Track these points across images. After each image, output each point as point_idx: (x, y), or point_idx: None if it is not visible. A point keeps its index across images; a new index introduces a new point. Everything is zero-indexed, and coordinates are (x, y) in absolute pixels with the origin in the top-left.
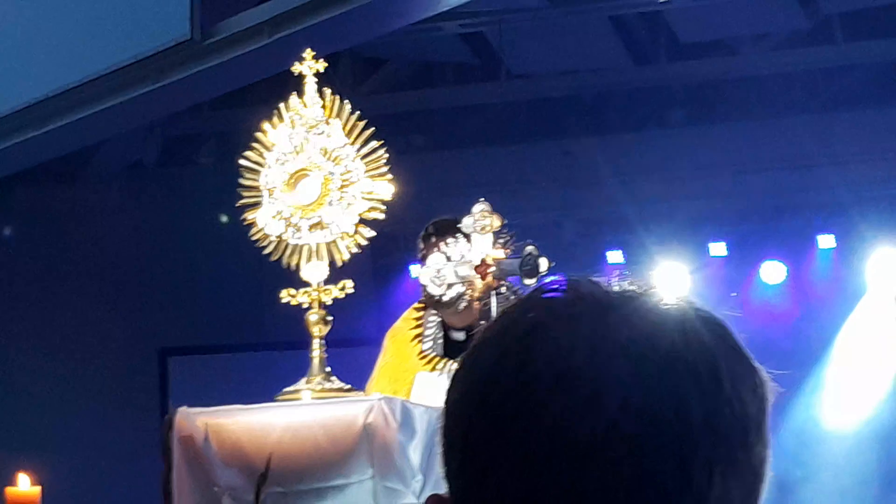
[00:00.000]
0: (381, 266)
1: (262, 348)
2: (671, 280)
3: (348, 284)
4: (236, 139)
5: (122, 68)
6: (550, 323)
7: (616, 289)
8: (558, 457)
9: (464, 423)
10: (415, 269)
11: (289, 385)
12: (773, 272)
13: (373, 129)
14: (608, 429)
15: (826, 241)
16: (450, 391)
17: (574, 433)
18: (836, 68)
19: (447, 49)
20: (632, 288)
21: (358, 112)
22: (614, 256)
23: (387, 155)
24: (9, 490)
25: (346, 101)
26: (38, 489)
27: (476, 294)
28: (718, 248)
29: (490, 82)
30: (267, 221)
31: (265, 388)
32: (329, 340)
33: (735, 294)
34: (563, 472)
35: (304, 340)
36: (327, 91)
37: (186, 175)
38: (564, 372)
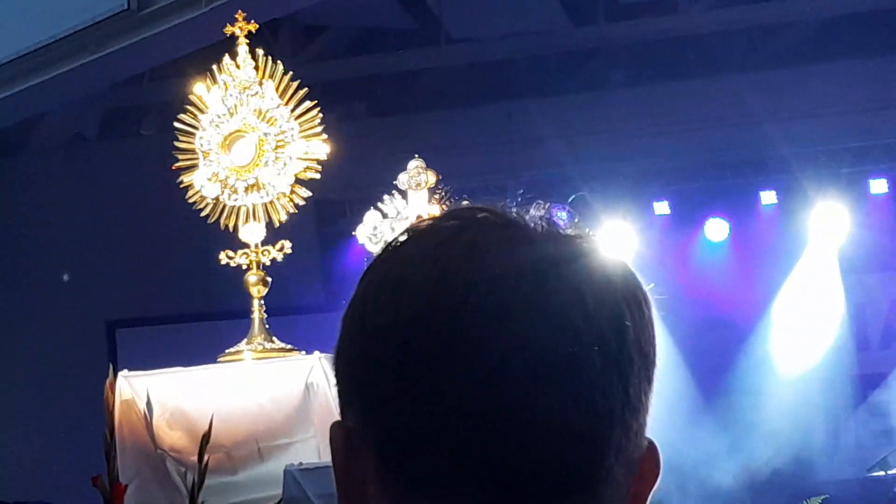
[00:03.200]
0: (326, 233)
1: (208, 318)
2: (617, 239)
3: (287, 245)
4: (177, 110)
5: (60, 39)
6: (489, 246)
7: (534, 215)
8: (513, 375)
9: (399, 345)
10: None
11: None
12: (716, 229)
13: (305, 89)
14: (560, 348)
15: (768, 197)
16: (369, 314)
17: (528, 352)
18: (776, 25)
19: (387, 15)
20: (546, 216)
21: (291, 73)
22: (558, 217)
23: (320, 115)
24: None
25: (279, 62)
26: None
27: None
28: (662, 207)
29: (430, 47)
30: (203, 183)
31: (214, 358)
32: (276, 308)
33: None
34: (517, 389)
35: (249, 309)
36: (260, 52)
37: (128, 146)
38: (512, 294)
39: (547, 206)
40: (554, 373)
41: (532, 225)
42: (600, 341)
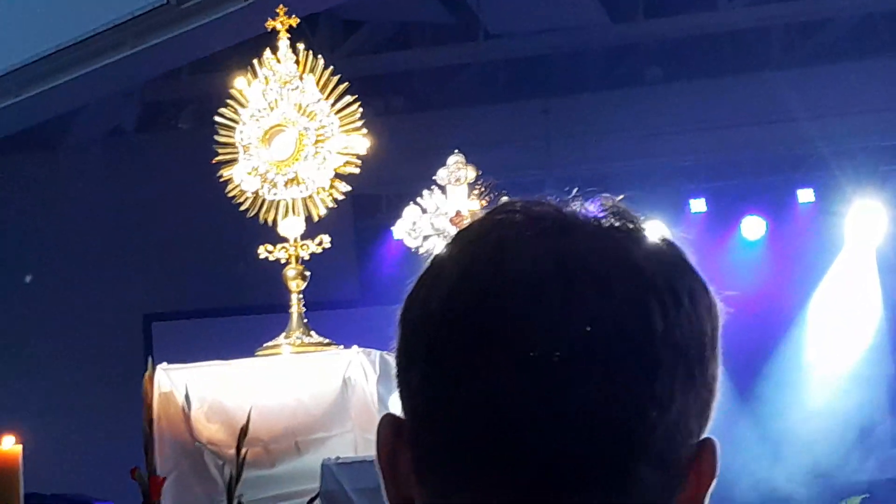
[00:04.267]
0: (362, 228)
1: (245, 312)
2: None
3: (325, 239)
4: (215, 104)
5: (99, 34)
6: (516, 240)
7: (573, 209)
8: (531, 368)
9: (428, 336)
10: (397, 230)
11: None
12: (753, 227)
13: (346, 84)
14: (578, 341)
15: (805, 195)
16: (408, 309)
17: (546, 345)
18: (813, 22)
19: (425, 10)
20: (590, 209)
21: (331, 67)
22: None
23: (360, 110)
24: None
25: (320, 57)
26: (18, 448)
27: None
28: (698, 205)
29: (468, 42)
30: (243, 177)
31: (249, 352)
32: (312, 302)
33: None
34: (535, 382)
35: (287, 303)
36: (301, 47)
37: (166, 140)
38: (535, 286)
39: (585, 199)
40: (572, 367)
41: (569, 218)
42: (622, 336)
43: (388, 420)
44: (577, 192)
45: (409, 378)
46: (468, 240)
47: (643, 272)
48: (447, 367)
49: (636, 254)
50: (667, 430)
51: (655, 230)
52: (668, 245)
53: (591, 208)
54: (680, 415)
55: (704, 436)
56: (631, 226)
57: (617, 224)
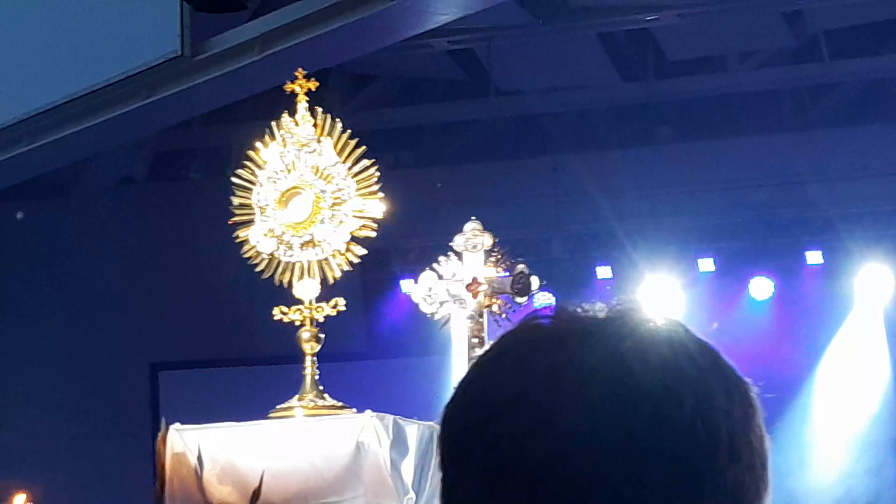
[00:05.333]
0: (370, 281)
1: (252, 363)
2: (660, 296)
3: (340, 302)
4: (226, 155)
5: (113, 84)
6: (515, 349)
7: (597, 314)
8: (512, 474)
9: (441, 442)
10: (405, 285)
11: (280, 401)
12: (761, 288)
13: (364, 147)
14: (558, 450)
15: (814, 257)
16: (442, 410)
17: (527, 452)
18: (823, 86)
19: (436, 66)
20: (612, 311)
21: (349, 131)
22: (603, 272)
23: (378, 174)
24: None
25: (338, 120)
26: None
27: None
28: (707, 264)
29: (479, 99)
30: (259, 239)
31: (256, 403)
32: (319, 354)
33: (716, 325)
34: (516, 488)
35: (295, 355)
36: (319, 110)
37: (177, 190)
38: (520, 395)
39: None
40: (549, 480)
41: (574, 327)
42: (602, 444)
43: None
44: (615, 285)
45: (441, 476)
46: (493, 344)
47: (632, 380)
48: (447, 481)
49: (632, 362)
50: None
51: (677, 333)
52: (683, 348)
53: (614, 312)
54: None
55: None
56: (645, 331)
57: (629, 329)
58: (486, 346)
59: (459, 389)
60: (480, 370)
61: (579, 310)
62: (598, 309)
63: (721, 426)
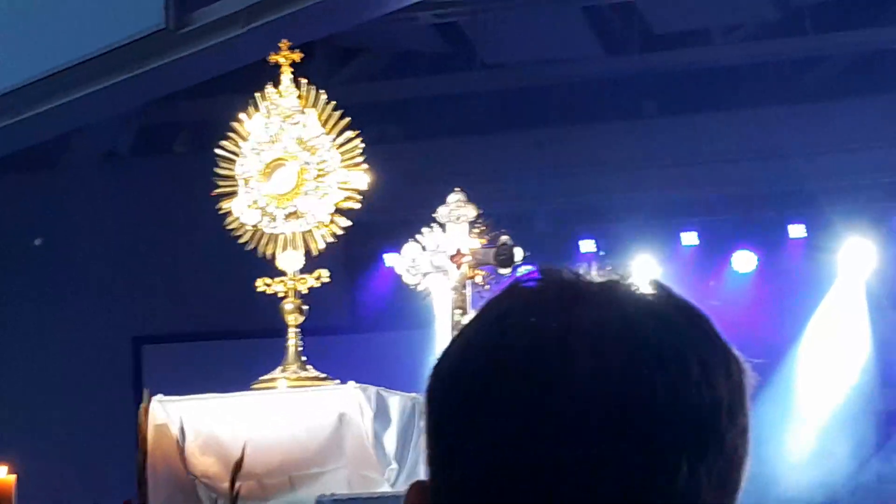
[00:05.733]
0: (354, 255)
1: (235, 336)
2: (643, 269)
3: (324, 274)
4: (212, 128)
5: (97, 57)
6: (522, 310)
7: (590, 277)
8: (524, 436)
9: (435, 407)
10: (389, 258)
11: (263, 374)
12: (744, 261)
13: (348, 119)
14: (574, 411)
15: (797, 230)
16: (429, 380)
17: (541, 414)
18: (807, 59)
19: (422, 39)
20: (607, 276)
21: (334, 102)
22: (587, 246)
23: (362, 145)
24: None
25: (322, 91)
26: (12, 477)
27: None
28: (690, 238)
29: (464, 72)
30: (243, 210)
31: (239, 377)
32: (301, 329)
33: (712, 282)
34: (527, 451)
35: (279, 329)
36: (303, 81)
37: (161, 163)
38: (533, 355)
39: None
40: (565, 441)
41: (580, 288)
42: (617, 403)
43: (416, 487)
44: (600, 257)
45: (428, 446)
46: (482, 310)
47: (647, 342)
48: (448, 441)
49: (643, 324)
50: (680, 499)
51: (674, 298)
52: (684, 313)
53: (609, 274)
54: (690, 487)
55: None
56: (644, 295)
57: (629, 293)
58: (474, 314)
59: (454, 355)
60: (479, 334)
61: (569, 274)
62: (587, 273)
63: (722, 390)
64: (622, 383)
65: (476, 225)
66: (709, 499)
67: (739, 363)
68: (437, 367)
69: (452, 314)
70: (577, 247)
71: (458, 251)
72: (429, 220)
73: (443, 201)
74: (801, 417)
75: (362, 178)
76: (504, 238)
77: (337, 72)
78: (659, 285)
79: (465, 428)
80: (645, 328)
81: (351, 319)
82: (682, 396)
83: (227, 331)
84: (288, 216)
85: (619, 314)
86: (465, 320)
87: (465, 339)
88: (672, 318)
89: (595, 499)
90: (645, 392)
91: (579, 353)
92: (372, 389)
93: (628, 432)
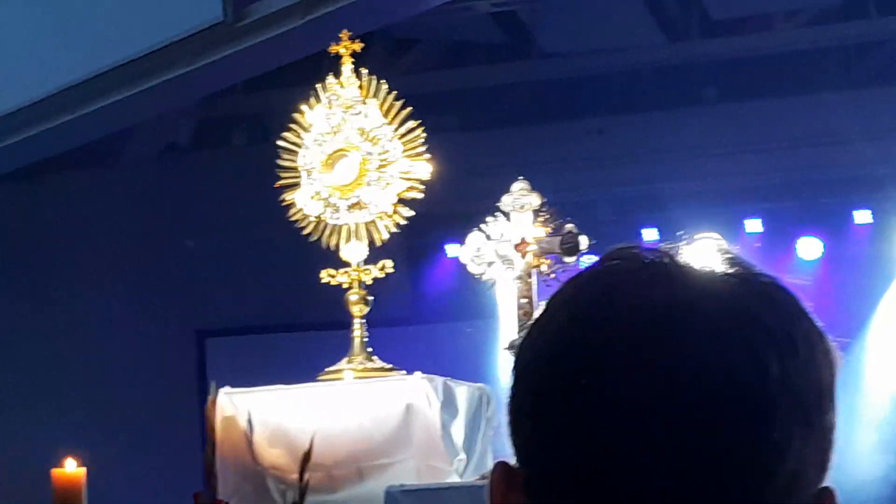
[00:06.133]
0: (414, 246)
1: (299, 329)
2: (706, 257)
3: (388, 264)
4: (269, 121)
5: (156, 51)
6: (624, 287)
7: (685, 257)
8: (638, 413)
9: (536, 383)
10: (450, 249)
11: (326, 367)
12: (809, 248)
13: (410, 108)
14: (690, 385)
15: (862, 216)
16: (518, 357)
17: (655, 389)
18: (870, 43)
19: (479, 29)
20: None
21: (395, 92)
22: (649, 234)
23: (424, 134)
24: (55, 471)
25: (383, 81)
26: (83, 470)
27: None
28: (754, 225)
29: (522, 61)
30: (305, 202)
31: (302, 370)
32: (364, 319)
33: (777, 270)
34: (641, 429)
35: (341, 321)
36: (364, 71)
37: (221, 157)
38: (642, 332)
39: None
40: (680, 414)
41: (682, 265)
42: (734, 381)
43: (500, 468)
44: (686, 236)
45: (522, 424)
46: (579, 284)
47: (758, 318)
48: (555, 413)
49: (750, 300)
50: (785, 478)
51: (770, 277)
52: (784, 292)
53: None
54: (799, 463)
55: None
56: (745, 273)
57: (731, 271)
58: (543, 301)
59: (553, 332)
60: (583, 310)
61: (656, 252)
62: (674, 252)
63: (824, 369)
64: (735, 358)
65: (540, 213)
66: (812, 476)
67: (831, 344)
68: (534, 346)
69: (518, 303)
70: (640, 235)
71: (523, 240)
72: (487, 210)
73: (502, 191)
74: (868, 408)
75: (425, 168)
76: (569, 226)
77: (394, 63)
78: (749, 263)
79: (572, 406)
80: (752, 304)
81: (413, 310)
82: (791, 373)
83: (291, 323)
84: (351, 207)
85: (723, 290)
86: (531, 310)
87: (565, 316)
88: (775, 296)
89: (705, 472)
90: (758, 367)
91: (691, 328)
92: (439, 380)
93: (741, 407)
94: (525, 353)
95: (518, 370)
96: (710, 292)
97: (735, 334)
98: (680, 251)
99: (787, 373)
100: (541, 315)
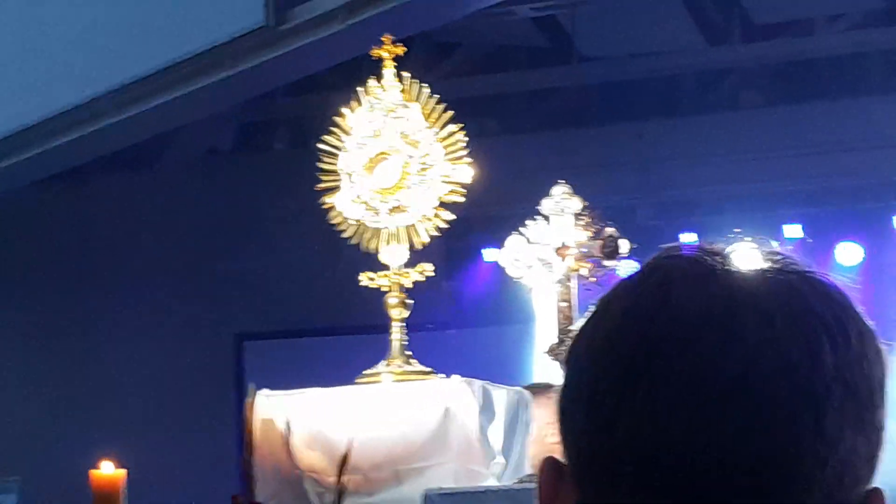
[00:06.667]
0: (453, 250)
1: (337, 332)
2: (756, 256)
3: (427, 268)
4: (311, 125)
5: (198, 55)
6: (683, 278)
7: (730, 256)
8: (693, 402)
9: (591, 374)
10: (488, 253)
11: (363, 370)
12: (849, 254)
13: (451, 112)
14: (745, 374)
15: None
16: (574, 346)
17: (711, 378)
18: None
19: (520, 33)
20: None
21: (437, 96)
22: (688, 238)
23: (466, 138)
24: (94, 473)
25: (425, 85)
26: (122, 472)
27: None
28: (793, 230)
29: (563, 66)
30: (346, 205)
31: (340, 373)
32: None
33: None
34: (696, 417)
35: (379, 324)
36: (406, 75)
37: (262, 160)
38: (701, 321)
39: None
40: (734, 403)
41: (735, 261)
42: (788, 369)
43: (550, 463)
44: (737, 235)
45: (575, 418)
46: (634, 280)
47: (813, 310)
48: (610, 406)
49: (804, 294)
50: (836, 469)
51: (822, 274)
52: (836, 288)
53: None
54: (849, 456)
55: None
56: (798, 269)
57: (783, 268)
58: (636, 273)
59: (609, 324)
60: (639, 302)
61: (712, 247)
62: (721, 248)
63: (876, 365)
64: (790, 348)
65: (581, 217)
66: (862, 471)
67: (881, 342)
68: (589, 338)
69: (557, 307)
70: (679, 240)
71: (564, 244)
72: (525, 214)
73: (542, 195)
74: None
75: (466, 172)
76: (610, 230)
77: (434, 67)
78: (802, 261)
79: (629, 394)
80: (806, 298)
81: (451, 314)
82: (844, 366)
83: (329, 327)
84: (392, 210)
85: (778, 284)
86: (573, 313)
87: (620, 308)
88: (828, 291)
89: (758, 464)
90: (814, 360)
91: (746, 319)
92: (477, 383)
93: (795, 396)
94: (582, 339)
95: (574, 357)
96: (764, 286)
97: (789, 325)
98: (729, 251)
99: (841, 365)
100: (595, 311)
